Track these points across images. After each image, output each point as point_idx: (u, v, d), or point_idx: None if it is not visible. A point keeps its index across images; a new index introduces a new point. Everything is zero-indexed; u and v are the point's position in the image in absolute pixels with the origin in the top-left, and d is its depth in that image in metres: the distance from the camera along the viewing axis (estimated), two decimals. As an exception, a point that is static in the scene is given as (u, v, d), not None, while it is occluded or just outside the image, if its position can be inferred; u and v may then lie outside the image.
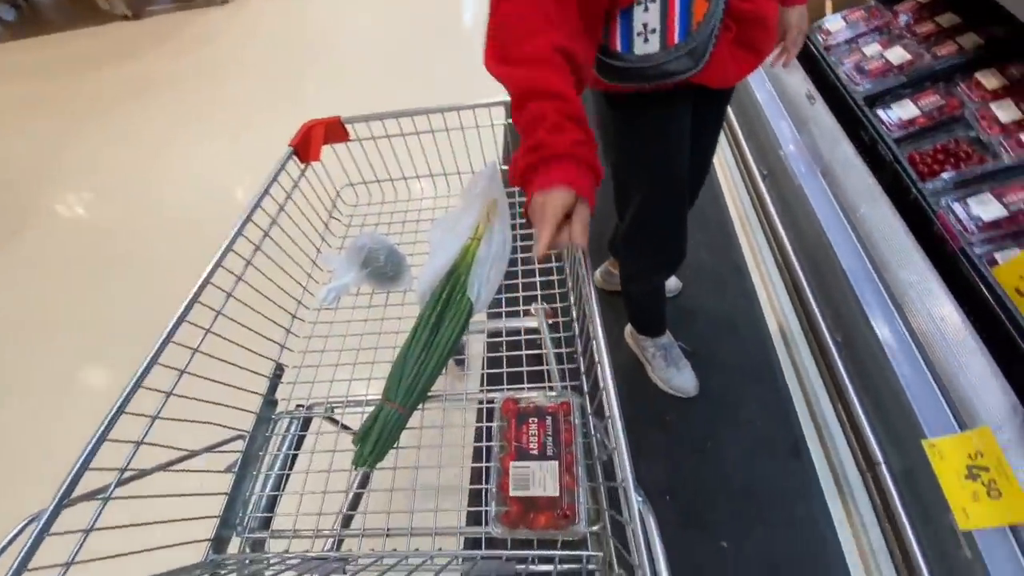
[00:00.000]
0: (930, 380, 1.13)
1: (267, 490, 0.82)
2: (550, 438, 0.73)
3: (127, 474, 0.63)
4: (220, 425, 0.78)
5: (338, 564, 0.72)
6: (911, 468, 1.15)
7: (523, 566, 0.69)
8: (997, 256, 1.13)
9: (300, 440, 0.88)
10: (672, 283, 1.79)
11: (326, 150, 1.04)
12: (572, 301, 0.91)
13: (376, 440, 0.76)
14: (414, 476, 0.79)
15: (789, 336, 1.65)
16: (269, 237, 0.91)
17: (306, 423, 0.90)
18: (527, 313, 1.03)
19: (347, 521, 0.86)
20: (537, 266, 0.99)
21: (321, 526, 0.78)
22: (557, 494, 0.69)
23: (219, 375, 0.76)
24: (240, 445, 0.82)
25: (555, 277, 0.98)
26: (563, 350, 0.85)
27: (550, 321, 1.05)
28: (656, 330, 1.58)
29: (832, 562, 1.27)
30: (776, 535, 1.33)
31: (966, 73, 1.36)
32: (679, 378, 1.56)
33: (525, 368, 0.86)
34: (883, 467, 1.24)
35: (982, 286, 1.10)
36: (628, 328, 1.67)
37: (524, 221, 1.05)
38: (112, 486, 0.62)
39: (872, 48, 1.58)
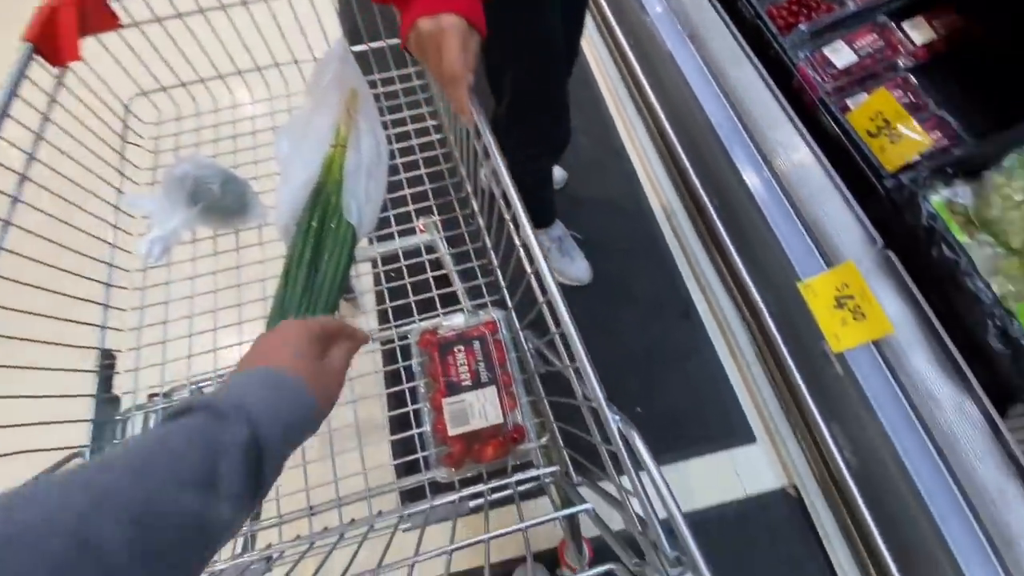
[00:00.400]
0: (799, 227, 1.22)
1: (137, 507, 0.64)
2: (481, 363, 0.64)
3: None
4: (43, 450, 0.57)
5: (260, 565, 0.60)
6: (788, 309, 1.28)
7: (478, 500, 0.63)
8: (849, 102, 1.20)
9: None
10: (557, 174, 1.72)
11: (92, 47, 0.72)
12: (474, 199, 0.78)
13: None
14: (327, 441, 0.66)
15: (670, 208, 1.70)
16: (29, 180, 0.62)
17: (169, 414, 0.71)
18: (419, 229, 0.89)
19: (255, 513, 0.72)
20: (425, 169, 0.82)
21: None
22: (501, 420, 0.62)
23: (25, 385, 0.54)
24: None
25: (445, 166, 0.83)
26: (475, 263, 0.74)
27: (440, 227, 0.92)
28: (546, 220, 1.53)
29: (727, 403, 1.43)
30: (680, 391, 1.45)
31: (812, -85, 1.35)
32: (573, 268, 1.55)
33: (436, 293, 0.73)
34: (764, 313, 1.37)
35: (838, 131, 1.17)
36: None
37: (398, 116, 0.86)
38: None
39: None
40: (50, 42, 0.70)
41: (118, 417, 0.68)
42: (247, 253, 0.78)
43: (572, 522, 0.81)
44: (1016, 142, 1.00)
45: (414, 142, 0.84)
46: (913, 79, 1.16)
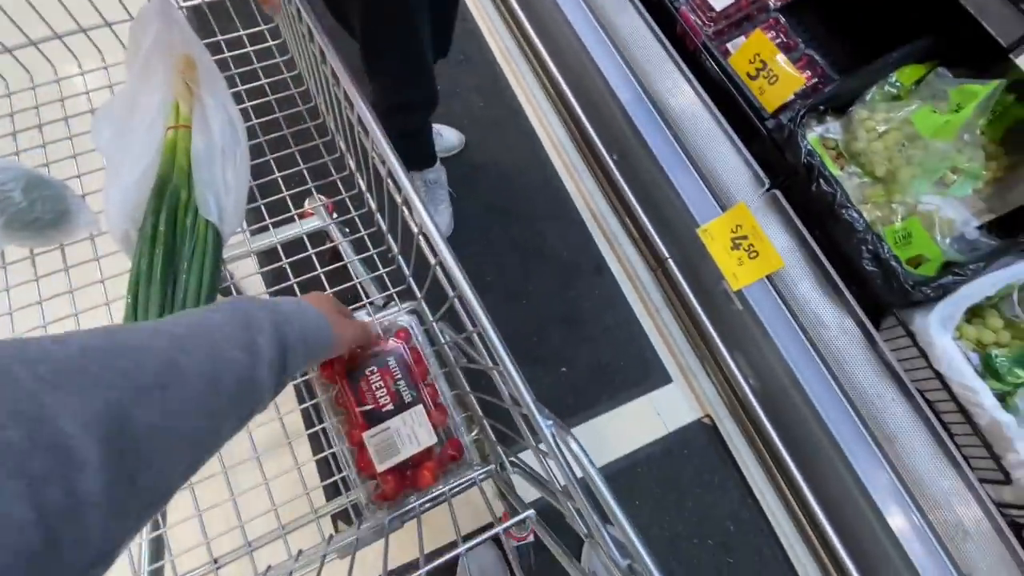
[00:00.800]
0: (694, 175, 1.25)
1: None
2: (401, 382, 0.57)
3: None
4: None
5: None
6: (690, 255, 1.33)
7: (411, 515, 0.57)
8: (729, 46, 1.22)
9: None
10: (455, 138, 1.62)
11: None
12: (359, 176, 0.68)
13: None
14: (223, 480, 0.57)
15: (572, 166, 1.68)
16: None
17: None
18: (302, 215, 0.77)
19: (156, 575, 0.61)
20: (296, 146, 0.70)
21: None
22: (434, 440, 0.56)
23: None
24: None
25: (320, 141, 0.72)
26: (372, 251, 0.65)
27: (336, 217, 0.81)
28: (422, 162, 1.44)
29: (643, 350, 1.48)
30: (598, 345, 1.48)
31: None
32: (436, 218, 1.49)
33: (330, 290, 0.64)
34: (669, 261, 1.41)
35: (722, 76, 1.20)
36: None
37: (254, 85, 0.72)
38: None
39: None
40: None
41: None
42: (81, 272, 0.62)
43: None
44: (877, 76, 1.08)
45: (278, 115, 0.71)
46: (783, 19, 1.20)
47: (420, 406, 0.56)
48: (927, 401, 0.99)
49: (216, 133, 0.60)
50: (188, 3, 0.64)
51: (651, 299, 1.52)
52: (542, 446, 0.39)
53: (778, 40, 1.18)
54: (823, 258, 1.09)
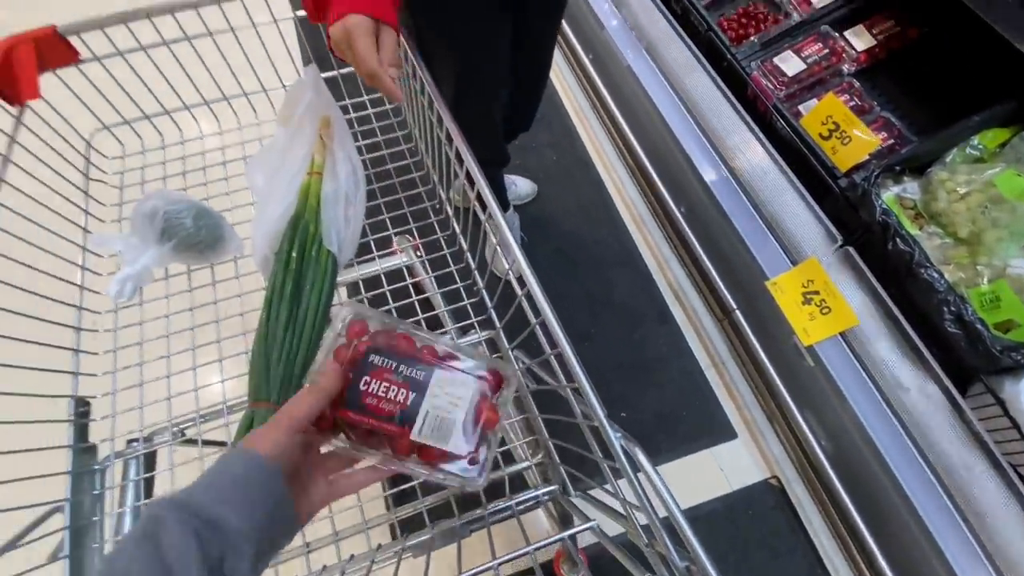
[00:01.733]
0: (763, 228, 1.27)
1: (123, 560, 0.61)
2: (402, 367, 0.47)
3: None
4: (22, 508, 0.54)
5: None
6: (758, 308, 1.33)
7: (479, 524, 0.62)
8: (801, 108, 1.27)
9: (149, 483, 0.67)
10: (527, 187, 1.74)
11: (50, 82, 0.70)
12: (454, 220, 0.78)
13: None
14: None
15: (639, 216, 1.74)
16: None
17: (149, 460, 0.68)
18: (390, 250, 0.88)
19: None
20: (403, 192, 0.83)
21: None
22: (475, 386, 0.48)
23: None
24: (61, 520, 0.59)
25: (423, 188, 0.83)
26: (459, 284, 0.74)
27: (416, 249, 0.91)
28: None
29: (707, 402, 1.47)
30: (662, 393, 1.48)
31: (754, -68, 1.42)
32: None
33: (421, 316, 0.73)
34: (736, 312, 1.42)
35: (793, 136, 1.23)
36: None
37: (372, 140, 0.86)
38: None
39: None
40: (8, 81, 0.67)
41: (96, 467, 0.65)
42: (224, 287, 0.76)
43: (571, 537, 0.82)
44: (957, 139, 1.08)
45: (390, 166, 0.84)
46: (857, 83, 1.23)
47: (436, 370, 0.47)
48: (1021, 477, 0.92)
49: (342, 180, 0.73)
50: (326, 74, 0.79)
51: (717, 351, 1.51)
52: (612, 466, 0.44)
53: (852, 103, 1.21)
54: (901, 318, 1.07)
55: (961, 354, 0.95)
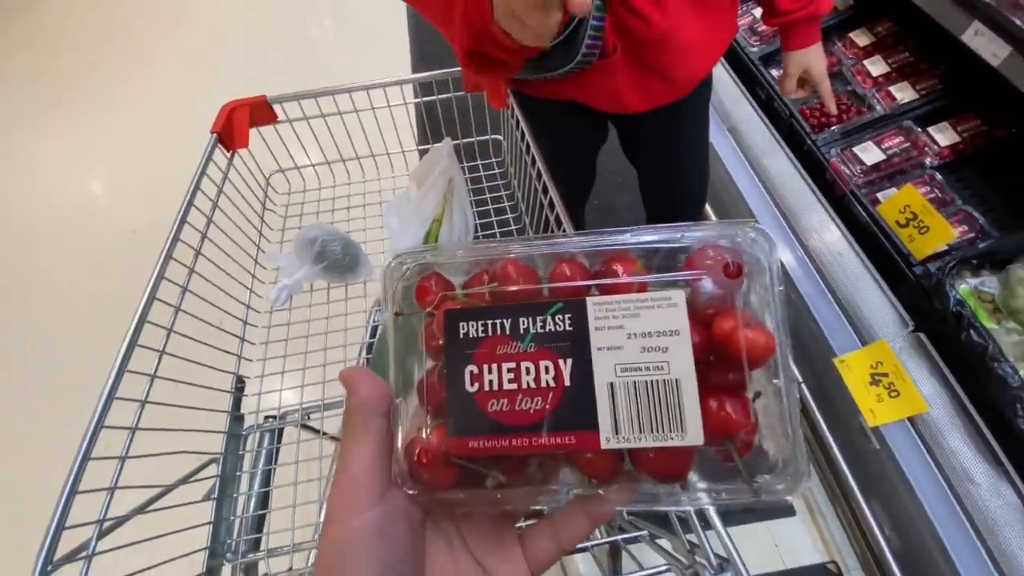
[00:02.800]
0: (835, 307, 1.31)
1: (251, 511, 0.76)
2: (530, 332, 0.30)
3: (105, 524, 0.56)
4: (190, 452, 0.71)
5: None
6: (825, 385, 1.34)
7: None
8: (879, 196, 1.32)
9: (276, 453, 0.83)
10: None
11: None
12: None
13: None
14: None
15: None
16: (209, 239, 0.81)
17: (279, 434, 0.84)
18: None
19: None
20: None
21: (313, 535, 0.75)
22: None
23: (179, 399, 0.69)
24: (214, 469, 0.75)
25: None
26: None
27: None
28: None
29: (766, 473, 1.46)
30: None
31: (842, 32, 1.53)
32: None
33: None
34: (802, 386, 1.43)
35: (869, 221, 1.28)
36: None
37: (480, 198, 1.04)
38: (93, 541, 0.55)
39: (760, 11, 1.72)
40: (228, 132, 0.91)
41: (243, 432, 0.82)
42: (354, 303, 0.94)
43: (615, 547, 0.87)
44: (1039, 239, 1.09)
45: (493, 219, 1.01)
46: (939, 176, 1.27)
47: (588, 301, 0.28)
48: (1102, 592, 0.87)
49: (456, 227, 0.90)
50: (455, 141, 0.98)
51: (779, 423, 1.51)
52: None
53: (932, 195, 1.25)
54: (973, 411, 1.06)
55: (1037, 454, 0.94)
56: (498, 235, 0.99)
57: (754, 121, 1.62)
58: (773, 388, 0.28)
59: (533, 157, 0.83)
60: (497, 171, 1.07)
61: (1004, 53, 1.11)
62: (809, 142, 1.44)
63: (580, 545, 0.61)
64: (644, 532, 0.61)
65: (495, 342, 0.28)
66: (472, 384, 0.28)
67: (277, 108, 0.96)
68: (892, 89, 1.38)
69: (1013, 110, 1.26)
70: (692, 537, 0.56)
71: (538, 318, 0.28)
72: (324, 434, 0.84)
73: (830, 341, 1.29)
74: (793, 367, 0.30)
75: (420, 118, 1.08)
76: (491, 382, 0.28)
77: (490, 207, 1.02)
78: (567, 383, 0.27)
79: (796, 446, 0.27)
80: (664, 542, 0.59)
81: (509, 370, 0.28)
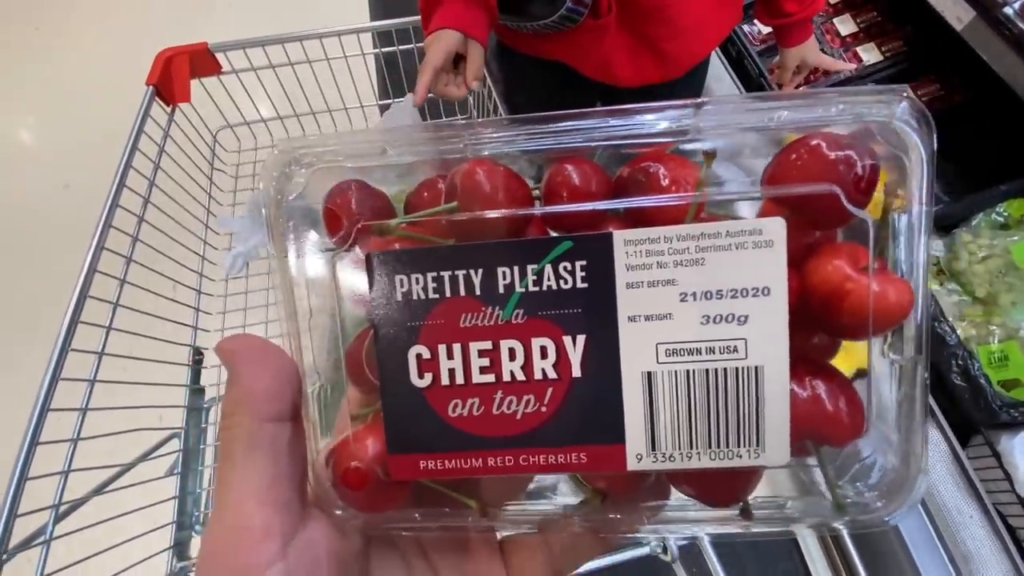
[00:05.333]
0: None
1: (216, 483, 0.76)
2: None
3: (62, 508, 0.54)
4: (148, 429, 0.69)
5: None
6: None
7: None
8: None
9: (242, 423, 0.81)
10: None
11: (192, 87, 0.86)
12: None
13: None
14: None
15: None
16: (152, 204, 0.75)
17: (244, 405, 0.83)
18: None
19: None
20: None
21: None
22: None
23: (134, 375, 0.66)
24: (176, 444, 0.73)
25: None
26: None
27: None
28: None
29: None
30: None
31: (813, -12, 1.51)
32: None
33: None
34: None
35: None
36: None
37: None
38: (50, 526, 0.53)
39: None
40: (166, 84, 0.83)
41: (204, 405, 0.80)
42: (315, 269, 0.90)
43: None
44: (984, 204, 1.14)
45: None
46: (897, 141, 1.30)
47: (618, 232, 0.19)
48: (1008, 527, 0.97)
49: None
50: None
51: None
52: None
53: (889, 159, 1.28)
54: (913, 366, 1.14)
55: (964, 406, 1.02)
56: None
57: (724, 79, 1.60)
58: (888, 365, 0.19)
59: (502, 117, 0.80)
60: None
61: (968, 17, 1.12)
62: (776, 102, 1.44)
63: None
64: None
65: (457, 307, 0.18)
66: (420, 375, 0.19)
67: (221, 58, 0.88)
68: (859, 50, 1.38)
69: (971, 76, 1.29)
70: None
71: (529, 267, 0.18)
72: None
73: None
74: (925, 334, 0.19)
75: (380, 71, 1.01)
76: (451, 372, 0.18)
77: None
78: (576, 373, 0.18)
79: (911, 448, 0.18)
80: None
81: (481, 353, 0.18)
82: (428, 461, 0.19)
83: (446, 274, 0.18)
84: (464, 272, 0.18)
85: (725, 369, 0.18)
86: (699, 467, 0.18)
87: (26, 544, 0.50)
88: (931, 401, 1.10)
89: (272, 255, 0.22)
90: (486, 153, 0.20)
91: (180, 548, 0.69)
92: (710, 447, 0.18)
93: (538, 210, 0.20)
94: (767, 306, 0.17)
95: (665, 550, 0.47)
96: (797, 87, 1.12)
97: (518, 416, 0.18)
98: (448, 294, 0.18)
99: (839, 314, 0.18)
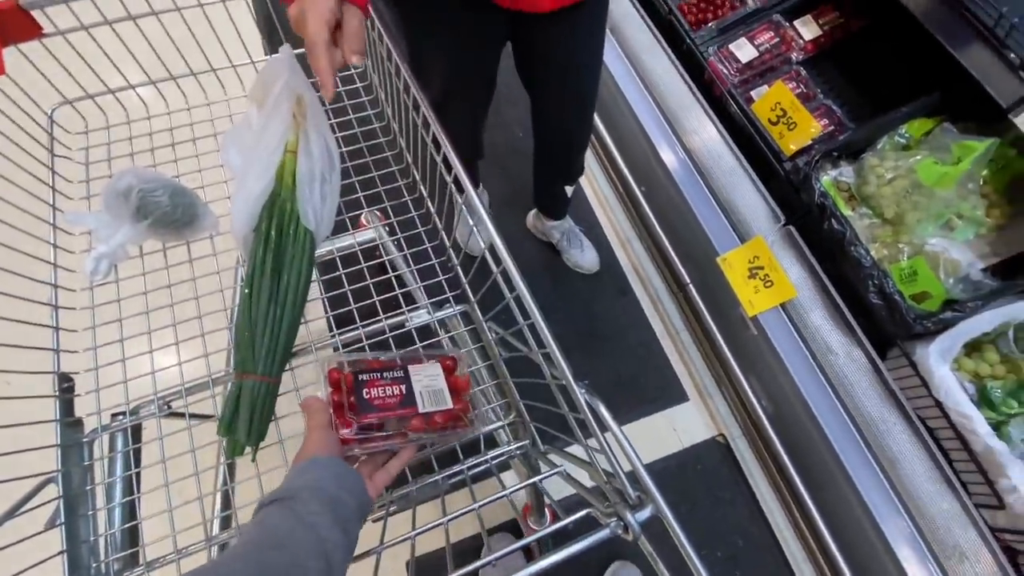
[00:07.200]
0: (716, 209, 1.36)
1: (117, 525, 0.65)
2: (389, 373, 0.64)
3: None
4: (16, 479, 0.57)
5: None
6: (709, 282, 1.43)
7: (459, 477, 0.68)
8: (752, 94, 1.34)
9: (136, 454, 0.70)
10: (592, 259, 1.68)
11: (10, 56, 0.68)
12: (429, 200, 0.81)
13: (249, 421, 0.63)
14: (280, 450, 0.68)
15: (602, 195, 1.81)
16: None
17: (135, 432, 0.71)
18: (358, 225, 0.91)
19: (226, 523, 0.73)
20: (376, 171, 0.85)
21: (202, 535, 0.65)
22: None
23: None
24: (54, 491, 0.61)
25: (397, 167, 0.86)
26: (434, 260, 0.78)
27: (385, 224, 0.94)
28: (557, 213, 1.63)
29: (662, 369, 1.58)
30: (620, 361, 1.58)
31: (714, -83, 1.46)
32: (583, 257, 1.67)
33: (399, 291, 0.78)
34: (690, 287, 1.51)
35: (745, 121, 1.31)
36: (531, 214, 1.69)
37: (344, 119, 0.88)
38: None
39: None
40: (-37, 54, 0.66)
41: (84, 439, 0.67)
42: (201, 264, 0.77)
43: (537, 491, 0.89)
44: (888, 127, 1.18)
45: (363, 144, 0.86)
46: (804, 72, 1.32)
47: (408, 366, 0.62)
48: (927, 428, 1.05)
49: (316, 159, 0.75)
50: (298, 51, 0.80)
51: (672, 322, 1.61)
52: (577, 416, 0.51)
53: (798, 91, 1.29)
54: (833, 291, 1.18)
55: (882, 322, 1.07)
56: (371, 164, 0.86)
57: (635, 20, 1.54)
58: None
59: (397, 66, 0.70)
60: (360, 84, 0.91)
61: (862, -60, 1.12)
62: (688, 40, 1.41)
63: (499, 493, 0.59)
64: (560, 468, 0.60)
65: (374, 381, 0.60)
66: (367, 394, 0.58)
67: (39, 16, 0.70)
68: (762, -20, 1.37)
69: (868, 1, 1.31)
70: (607, 466, 0.55)
71: (390, 372, 0.62)
72: (192, 417, 0.72)
73: (714, 243, 1.35)
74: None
75: (256, 19, 0.87)
76: (375, 394, 0.59)
77: (357, 130, 0.87)
78: (404, 391, 0.60)
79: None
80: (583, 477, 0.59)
81: (381, 389, 0.59)
82: (370, 417, 0.59)
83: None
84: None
85: (436, 386, 0.64)
86: (437, 408, 0.62)
87: None
88: (851, 318, 1.15)
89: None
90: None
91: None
92: (439, 403, 0.63)
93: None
94: (440, 380, 0.66)
95: (626, 528, 0.45)
96: None
97: (392, 402, 0.60)
98: (368, 379, 0.63)
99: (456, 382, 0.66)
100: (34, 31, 0.70)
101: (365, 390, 0.59)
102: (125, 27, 0.76)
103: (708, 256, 1.36)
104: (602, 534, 0.48)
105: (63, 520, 0.61)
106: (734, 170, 1.34)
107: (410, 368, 0.62)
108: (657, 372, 1.57)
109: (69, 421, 0.66)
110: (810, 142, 1.24)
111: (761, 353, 1.31)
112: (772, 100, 1.27)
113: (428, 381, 0.62)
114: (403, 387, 0.60)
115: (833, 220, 1.12)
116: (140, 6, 0.75)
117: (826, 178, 1.22)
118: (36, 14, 0.69)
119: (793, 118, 1.24)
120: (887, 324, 1.06)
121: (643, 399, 1.54)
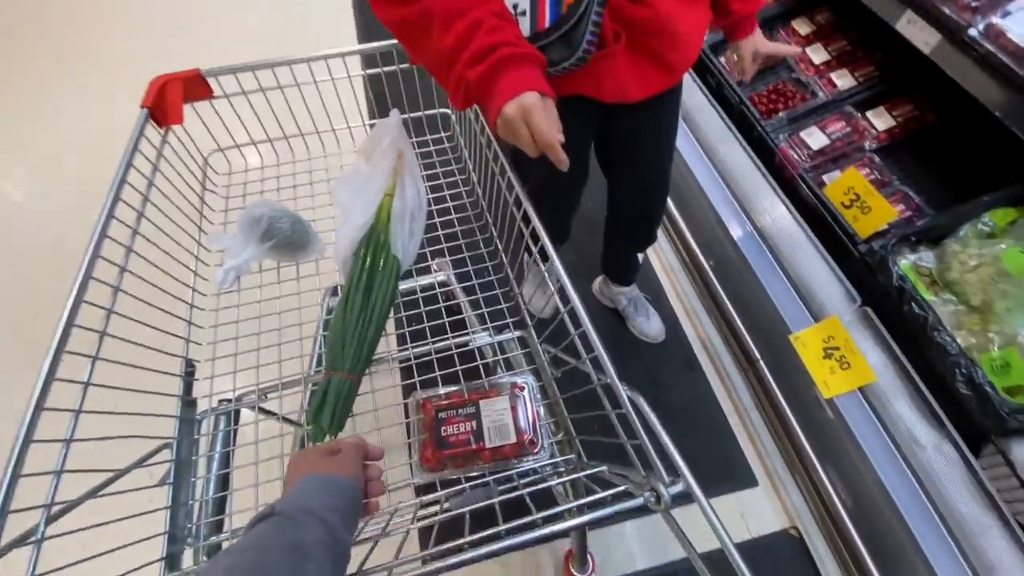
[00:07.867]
0: (788, 287, 1.36)
1: (211, 493, 0.73)
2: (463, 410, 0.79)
3: (54, 509, 0.53)
4: (140, 437, 0.67)
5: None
6: (781, 360, 1.39)
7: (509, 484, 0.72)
8: (824, 178, 1.38)
9: (233, 435, 0.80)
10: (657, 328, 1.69)
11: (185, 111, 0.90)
12: (498, 240, 0.92)
13: (332, 412, 0.71)
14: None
15: (668, 265, 1.85)
16: (145, 218, 0.77)
17: (235, 416, 0.81)
18: (429, 270, 1.02)
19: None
20: (455, 215, 0.99)
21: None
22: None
23: (126, 382, 0.65)
24: (168, 454, 0.72)
25: (472, 212, 0.99)
26: (498, 291, 0.88)
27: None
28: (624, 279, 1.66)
29: (730, 449, 1.50)
30: (686, 438, 1.49)
31: (785, 21, 1.60)
32: (649, 325, 1.67)
33: (467, 314, 0.86)
34: (760, 363, 1.47)
35: (817, 203, 1.34)
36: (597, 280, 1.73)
37: (432, 172, 1.03)
38: (41, 526, 0.51)
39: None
40: (160, 107, 0.87)
41: (197, 416, 0.78)
42: (307, 282, 0.91)
43: (582, 533, 0.89)
44: (969, 215, 1.15)
45: (446, 193, 1.01)
46: (878, 159, 1.34)
47: (480, 402, 0.77)
48: (1033, 537, 0.93)
49: (408, 200, 0.88)
50: (403, 116, 0.96)
51: (741, 399, 1.56)
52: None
53: (872, 177, 1.31)
54: (917, 378, 1.11)
55: (972, 415, 0.99)
56: (452, 210, 0.99)
57: (707, 109, 1.66)
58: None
59: (488, 139, 0.83)
60: (447, 145, 1.07)
61: (935, 41, 1.17)
62: (759, 128, 1.49)
63: (555, 481, 0.66)
64: (604, 467, 0.64)
65: (451, 419, 0.77)
66: (444, 432, 0.75)
67: (212, 83, 0.92)
68: (833, 76, 1.45)
69: (942, 95, 1.34)
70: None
71: (464, 408, 0.78)
72: (280, 417, 0.82)
73: (786, 320, 1.33)
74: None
75: (367, 92, 1.06)
76: (451, 431, 0.76)
77: (442, 181, 1.02)
78: (475, 428, 0.75)
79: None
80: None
81: (456, 427, 0.76)
82: (446, 453, 0.78)
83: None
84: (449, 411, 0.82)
85: (502, 421, 0.80)
86: (502, 443, 0.78)
87: (17, 543, 0.48)
88: (938, 409, 1.07)
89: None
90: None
91: (172, 561, 0.66)
92: (504, 438, 0.79)
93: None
94: (506, 414, 0.81)
95: (658, 499, 0.48)
96: (755, 75, 1.15)
97: (465, 438, 0.77)
98: (447, 417, 0.81)
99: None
100: (207, 92, 0.92)
101: (444, 428, 0.74)
102: (273, 95, 0.97)
103: (780, 333, 1.34)
104: (636, 501, 0.55)
105: (171, 480, 0.70)
106: (806, 249, 1.35)
107: (481, 403, 0.76)
108: (724, 451, 1.50)
109: (187, 399, 0.78)
110: (886, 226, 1.23)
111: (839, 439, 1.23)
112: (845, 185, 1.29)
113: (496, 416, 0.76)
114: (473, 423, 0.75)
115: (914, 304, 1.08)
116: (285, 77, 0.95)
117: (904, 262, 1.19)
118: (211, 81, 0.90)
119: (868, 202, 1.25)
120: (978, 416, 0.98)
121: (708, 479, 1.43)
